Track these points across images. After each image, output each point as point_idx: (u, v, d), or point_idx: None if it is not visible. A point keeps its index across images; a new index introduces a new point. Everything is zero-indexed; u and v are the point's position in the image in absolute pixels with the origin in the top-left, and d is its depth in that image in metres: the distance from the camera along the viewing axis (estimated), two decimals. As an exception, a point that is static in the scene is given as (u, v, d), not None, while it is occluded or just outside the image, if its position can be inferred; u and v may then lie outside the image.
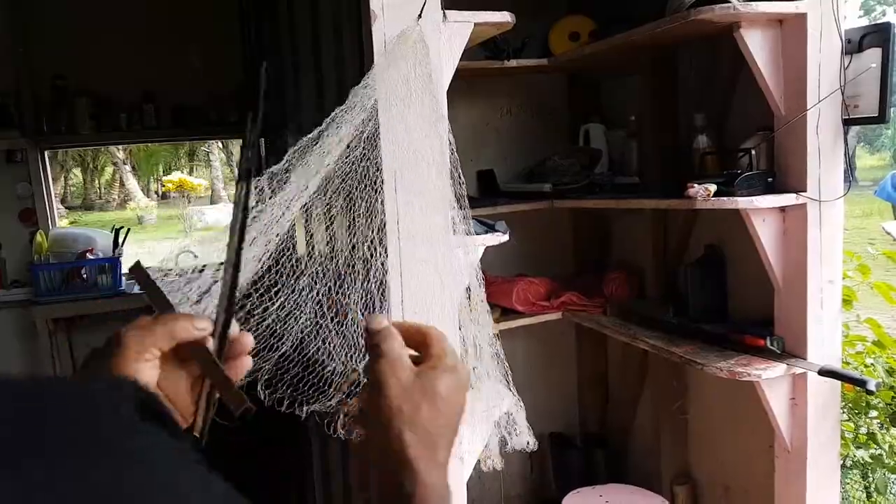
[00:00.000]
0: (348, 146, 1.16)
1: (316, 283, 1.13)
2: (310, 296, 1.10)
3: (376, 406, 0.62)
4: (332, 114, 1.21)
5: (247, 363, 0.71)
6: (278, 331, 1.04)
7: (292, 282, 1.08)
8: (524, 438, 1.52)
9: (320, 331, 1.12)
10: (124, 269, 4.55)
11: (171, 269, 0.80)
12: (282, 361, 1.06)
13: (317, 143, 1.13)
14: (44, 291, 4.15)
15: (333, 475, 2.34)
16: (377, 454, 0.62)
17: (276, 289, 1.04)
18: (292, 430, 2.74)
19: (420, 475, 0.59)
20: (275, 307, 1.04)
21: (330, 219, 1.21)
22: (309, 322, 1.10)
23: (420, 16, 1.41)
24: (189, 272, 0.81)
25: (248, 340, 0.71)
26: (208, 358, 0.67)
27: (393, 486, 0.60)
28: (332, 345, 1.14)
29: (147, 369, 0.64)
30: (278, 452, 3.11)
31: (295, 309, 1.07)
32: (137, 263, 0.75)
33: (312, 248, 1.26)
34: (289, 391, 1.07)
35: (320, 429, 1.15)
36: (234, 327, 0.70)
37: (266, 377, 1.04)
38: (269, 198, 1.03)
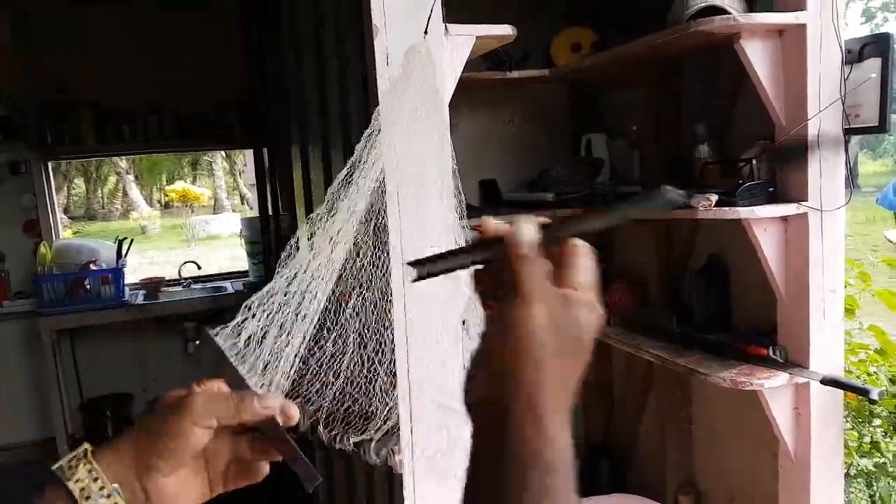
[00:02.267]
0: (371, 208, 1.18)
1: (357, 313, 1.14)
2: (353, 327, 1.12)
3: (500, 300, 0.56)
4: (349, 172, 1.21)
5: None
6: (333, 366, 1.05)
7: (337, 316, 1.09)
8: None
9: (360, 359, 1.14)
10: (128, 280, 4.57)
11: (238, 331, 0.82)
12: (338, 396, 1.07)
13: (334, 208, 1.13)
14: (47, 302, 4.16)
15: (337, 494, 2.35)
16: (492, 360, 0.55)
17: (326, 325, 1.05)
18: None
19: (533, 389, 0.53)
20: (328, 343, 1.05)
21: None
22: (355, 354, 1.12)
23: (426, 32, 1.42)
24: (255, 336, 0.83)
25: (293, 413, 0.72)
26: (279, 435, 0.69)
27: (495, 393, 0.54)
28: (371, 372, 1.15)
29: (201, 435, 0.66)
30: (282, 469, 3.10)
31: (341, 341, 1.08)
32: (207, 333, 0.77)
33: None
34: (341, 426, 1.08)
35: (325, 449, 1.16)
36: (277, 401, 0.71)
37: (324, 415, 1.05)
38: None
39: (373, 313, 1.18)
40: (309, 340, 0.96)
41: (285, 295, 0.93)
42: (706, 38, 1.99)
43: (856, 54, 1.92)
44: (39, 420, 4.50)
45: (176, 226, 20.50)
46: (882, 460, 2.57)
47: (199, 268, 5.22)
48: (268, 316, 0.89)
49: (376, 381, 1.16)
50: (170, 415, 0.66)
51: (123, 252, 4.52)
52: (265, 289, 0.95)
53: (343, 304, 1.11)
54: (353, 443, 1.14)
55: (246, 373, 0.75)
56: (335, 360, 1.08)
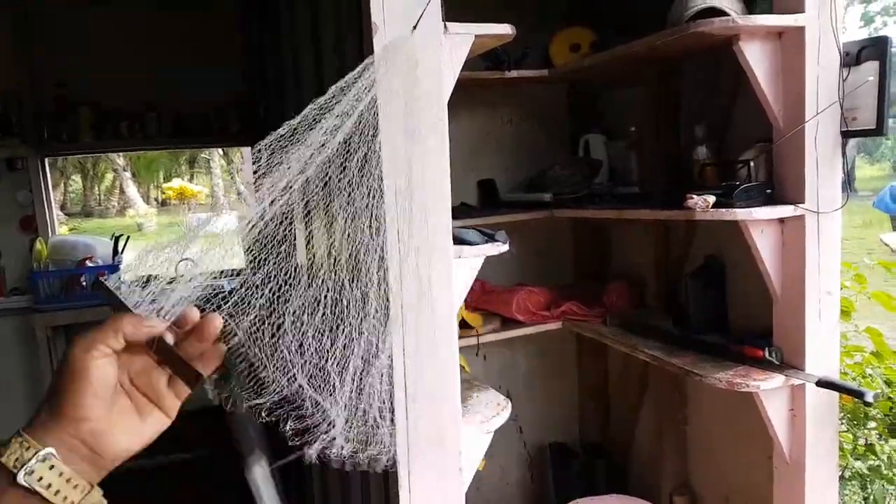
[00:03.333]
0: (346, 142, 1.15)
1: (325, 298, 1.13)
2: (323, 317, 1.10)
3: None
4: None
5: (219, 350, 0.75)
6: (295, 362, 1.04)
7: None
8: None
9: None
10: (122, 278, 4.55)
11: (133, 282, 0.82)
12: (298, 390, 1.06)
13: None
14: (43, 299, 4.15)
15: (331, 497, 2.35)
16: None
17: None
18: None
19: None
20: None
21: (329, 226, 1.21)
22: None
23: (415, 27, 1.41)
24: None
25: (216, 323, 0.74)
26: (164, 347, 0.72)
27: None
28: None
29: (100, 366, 0.68)
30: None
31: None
32: (97, 279, 0.79)
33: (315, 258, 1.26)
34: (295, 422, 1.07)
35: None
36: (195, 312, 0.74)
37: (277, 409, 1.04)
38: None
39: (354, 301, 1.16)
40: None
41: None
42: (705, 40, 1.99)
43: (854, 57, 1.92)
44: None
45: (173, 223, 20.48)
46: (877, 463, 2.57)
47: (196, 265, 5.21)
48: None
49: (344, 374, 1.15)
50: (63, 365, 0.67)
51: (120, 249, 4.51)
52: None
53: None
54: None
55: (134, 304, 0.77)
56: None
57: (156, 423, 0.73)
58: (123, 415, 0.70)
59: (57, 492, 0.64)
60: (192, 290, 0.83)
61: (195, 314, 0.74)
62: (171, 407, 0.74)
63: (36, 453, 0.63)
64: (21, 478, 0.62)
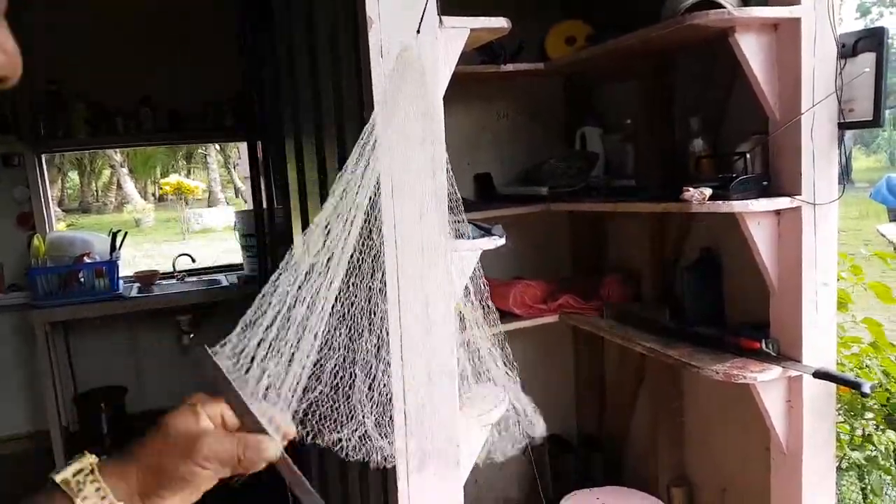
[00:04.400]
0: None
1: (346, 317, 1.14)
2: (341, 330, 1.11)
3: None
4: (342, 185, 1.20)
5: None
6: (316, 372, 1.05)
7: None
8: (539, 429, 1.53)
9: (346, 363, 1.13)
10: (122, 272, 4.56)
11: (240, 349, 0.83)
12: (318, 398, 1.08)
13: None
14: (41, 295, 4.15)
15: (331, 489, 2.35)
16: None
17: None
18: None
19: None
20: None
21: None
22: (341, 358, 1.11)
23: (419, 31, 1.41)
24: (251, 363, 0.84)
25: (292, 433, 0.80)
26: (284, 469, 0.76)
27: None
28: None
29: (206, 476, 0.71)
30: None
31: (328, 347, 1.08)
32: (206, 352, 0.79)
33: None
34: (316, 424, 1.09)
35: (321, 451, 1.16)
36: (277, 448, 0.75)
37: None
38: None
39: (361, 314, 1.17)
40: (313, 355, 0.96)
41: (288, 309, 0.93)
42: (701, 32, 1.99)
43: (850, 48, 1.92)
44: (33, 412, 4.50)
45: (170, 219, 20.48)
46: (874, 453, 2.58)
47: (194, 261, 5.21)
48: (268, 332, 0.90)
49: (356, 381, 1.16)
50: (177, 454, 0.69)
51: (117, 245, 4.51)
52: (258, 301, 0.95)
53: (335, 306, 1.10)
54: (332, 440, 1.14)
55: (249, 396, 0.77)
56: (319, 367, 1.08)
57: (193, 497, 0.75)
58: (190, 499, 0.73)
59: None
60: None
61: (292, 431, 0.79)
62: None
63: None
64: None
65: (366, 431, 1.19)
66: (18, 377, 4.51)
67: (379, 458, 1.24)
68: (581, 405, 3.23)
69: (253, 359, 0.85)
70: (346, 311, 1.13)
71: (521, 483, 3.22)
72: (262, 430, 0.74)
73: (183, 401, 0.74)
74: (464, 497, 1.60)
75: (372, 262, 1.23)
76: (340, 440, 1.15)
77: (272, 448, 0.73)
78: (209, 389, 0.76)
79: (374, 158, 1.21)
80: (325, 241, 1.07)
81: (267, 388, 0.84)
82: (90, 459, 0.67)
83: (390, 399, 1.26)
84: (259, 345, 0.86)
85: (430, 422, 1.47)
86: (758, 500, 2.28)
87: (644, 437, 2.93)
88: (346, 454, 1.19)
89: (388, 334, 1.38)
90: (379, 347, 1.24)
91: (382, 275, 1.34)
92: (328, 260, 1.04)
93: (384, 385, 1.25)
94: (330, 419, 1.11)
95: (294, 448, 0.80)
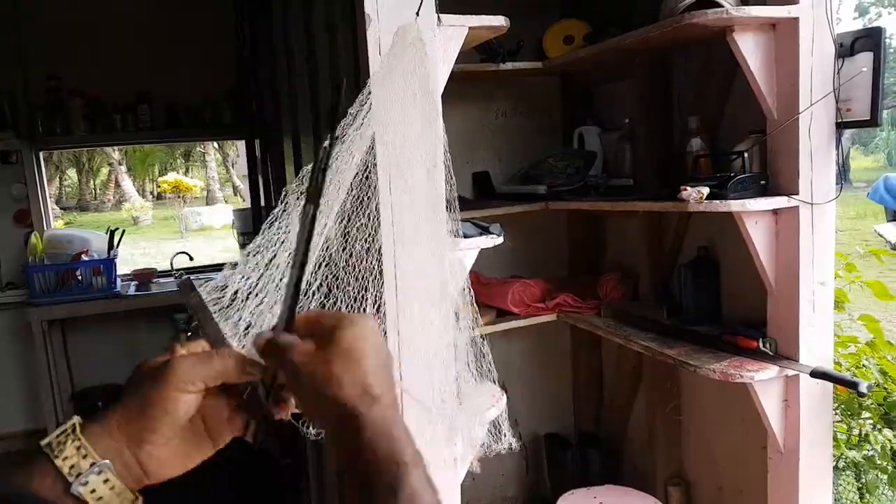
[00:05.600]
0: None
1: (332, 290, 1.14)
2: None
3: (295, 385, 0.67)
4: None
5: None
6: None
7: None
8: (506, 441, 1.53)
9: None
10: (120, 271, 4.55)
11: (221, 288, 0.81)
12: None
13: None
14: (39, 293, 4.15)
15: (327, 485, 2.35)
16: (319, 417, 0.67)
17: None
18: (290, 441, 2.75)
19: (357, 412, 0.63)
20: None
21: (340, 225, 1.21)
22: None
23: (418, 14, 1.41)
24: (235, 293, 0.82)
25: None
26: (258, 400, 0.71)
27: (340, 430, 0.64)
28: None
29: (187, 402, 0.66)
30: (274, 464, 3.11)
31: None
32: (189, 282, 0.76)
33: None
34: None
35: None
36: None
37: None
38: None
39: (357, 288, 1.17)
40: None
41: (273, 257, 0.93)
42: (699, 31, 1.99)
43: (848, 48, 1.92)
44: (30, 410, 4.50)
45: (168, 217, 20.44)
46: (871, 452, 2.58)
47: (192, 259, 5.21)
48: (253, 275, 0.89)
49: None
50: (153, 386, 0.65)
51: (115, 243, 4.50)
52: (250, 247, 0.95)
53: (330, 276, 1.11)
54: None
55: (229, 332, 0.75)
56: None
57: (204, 452, 0.71)
58: (182, 442, 0.69)
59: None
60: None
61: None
62: (223, 439, 0.72)
63: (93, 465, 0.62)
64: (74, 488, 0.61)
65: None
66: (15, 375, 4.50)
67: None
68: (579, 404, 3.23)
69: (236, 294, 0.84)
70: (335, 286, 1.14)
71: (519, 482, 3.22)
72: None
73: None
74: (460, 494, 1.60)
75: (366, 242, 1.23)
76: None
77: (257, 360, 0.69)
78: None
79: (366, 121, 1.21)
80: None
81: (247, 328, 0.83)
82: (73, 420, 0.64)
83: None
84: (246, 287, 0.86)
85: (426, 419, 1.47)
86: (755, 498, 2.28)
87: (641, 436, 2.93)
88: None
89: (385, 332, 1.38)
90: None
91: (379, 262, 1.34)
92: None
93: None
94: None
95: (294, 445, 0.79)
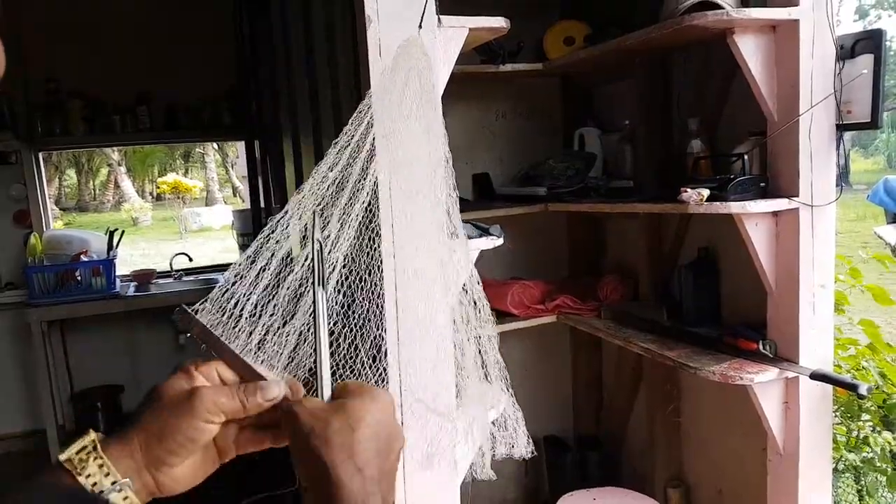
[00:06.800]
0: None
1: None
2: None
3: (295, 435, 0.69)
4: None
5: None
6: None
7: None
8: (521, 446, 1.52)
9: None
10: (120, 271, 4.55)
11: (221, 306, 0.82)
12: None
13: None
14: (38, 294, 4.14)
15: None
16: (303, 470, 0.69)
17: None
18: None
19: (336, 477, 0.65)
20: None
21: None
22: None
23: (420, 26, 1.41)
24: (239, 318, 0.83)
25: (300, 390, 0.77)
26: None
27: (318, 490, 0.66)
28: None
29: (209, 431, 0.70)
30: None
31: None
32: (183, 310, 0.78)
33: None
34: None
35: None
36: (281, 389, 0.74)
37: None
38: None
39: (360, 299, 1.17)
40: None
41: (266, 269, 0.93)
42: (699, 33, 1.99)
43: (848, 50, 1.92)
44: (30, 411, 4.49)
45: (168, 218, 20.43)
46: (870, 455, 2.58)
47: (191, 260, 5.20)
48: (252, 291, 0.89)
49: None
50: (178, 415, 0.68)
51: (114, 244, 4.50)
52: (239, 260, 0.95)
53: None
54: None
55: (241, 350, 0.76)
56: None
57: (213, 467, 0.74)
58: (194, 461, 0.71)
59: None
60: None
61: (300, 387, 0.76)
62: (229, 455, 0.75)
63: (114, 483, 0.65)
64: None
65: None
66: (15, 375, 4.50)
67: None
68: (578, 405, 3.23)
69: (241, 313, 0.84)
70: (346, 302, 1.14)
71: (518, 484, 3.22)
72: (261, 377, 0.73)
73: (175, 369, 0.73)
74: (459, 497, 1.60)
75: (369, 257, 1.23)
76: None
77: (273, 387, 0.72)
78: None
79: (371, 157, 1.21)
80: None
81: (261, 341, 0.83)
82: (92, 437, 0.66)
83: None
84: (247, 300, 0.86)
85: (428, 421, 1.47)
86: (754, 501, 2.28)
87: (641, 438, 2.93)
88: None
89: (385, 333, 1.38)
90: (377, 351, 1.24)
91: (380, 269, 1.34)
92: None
93: (384, 382, 1.24)
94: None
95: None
